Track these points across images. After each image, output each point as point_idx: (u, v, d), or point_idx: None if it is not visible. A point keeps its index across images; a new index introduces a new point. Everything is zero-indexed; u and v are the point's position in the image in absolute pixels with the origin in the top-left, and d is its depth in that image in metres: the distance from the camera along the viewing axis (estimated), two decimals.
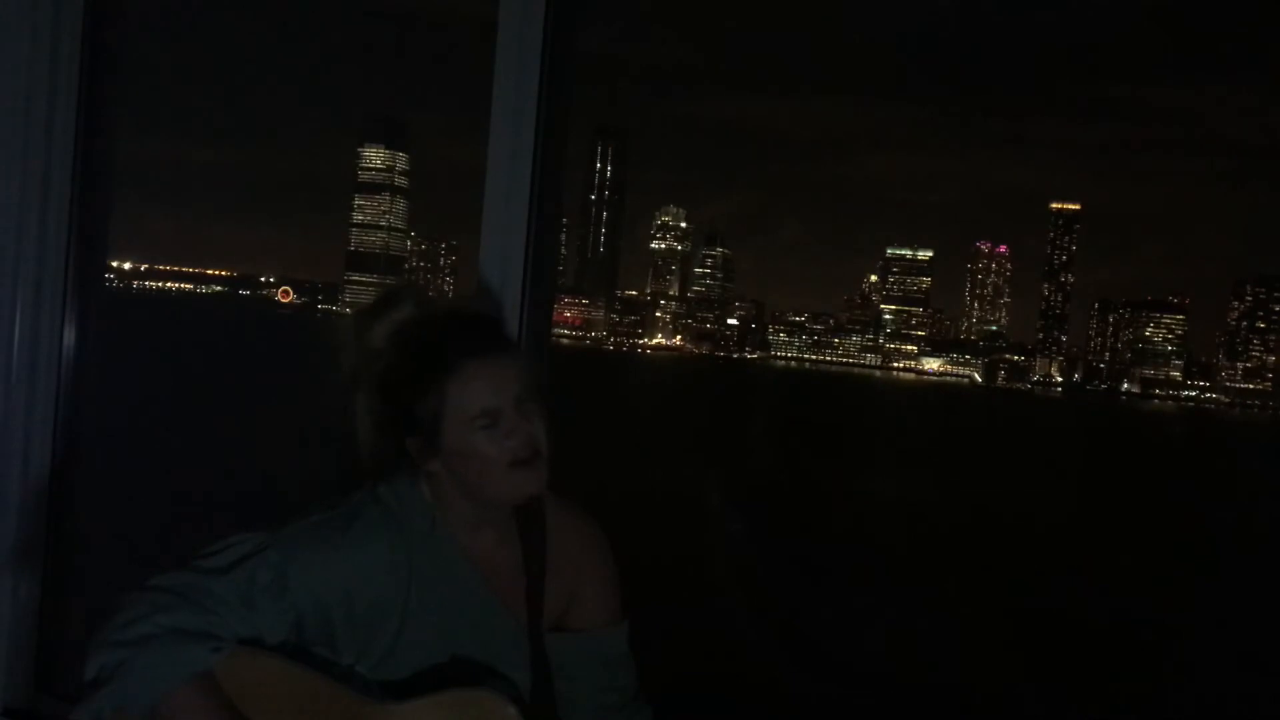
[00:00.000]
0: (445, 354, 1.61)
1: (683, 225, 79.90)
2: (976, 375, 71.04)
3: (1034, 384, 69.46)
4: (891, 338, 72.91)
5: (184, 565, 1.59)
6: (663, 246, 79.26)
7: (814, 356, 72.46)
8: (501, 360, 1.63)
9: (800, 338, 73.14)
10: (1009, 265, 75.63)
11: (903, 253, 74.81)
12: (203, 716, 1.52)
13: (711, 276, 77.52)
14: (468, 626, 1.66)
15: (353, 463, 1.70)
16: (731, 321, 75.93)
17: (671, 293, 78.23)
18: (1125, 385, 66.13)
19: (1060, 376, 69.23)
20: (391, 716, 1.56)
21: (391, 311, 1.68)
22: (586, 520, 1.80)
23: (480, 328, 1.67)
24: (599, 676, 1.74)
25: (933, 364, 71.77)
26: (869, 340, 72.85)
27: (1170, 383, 64.80)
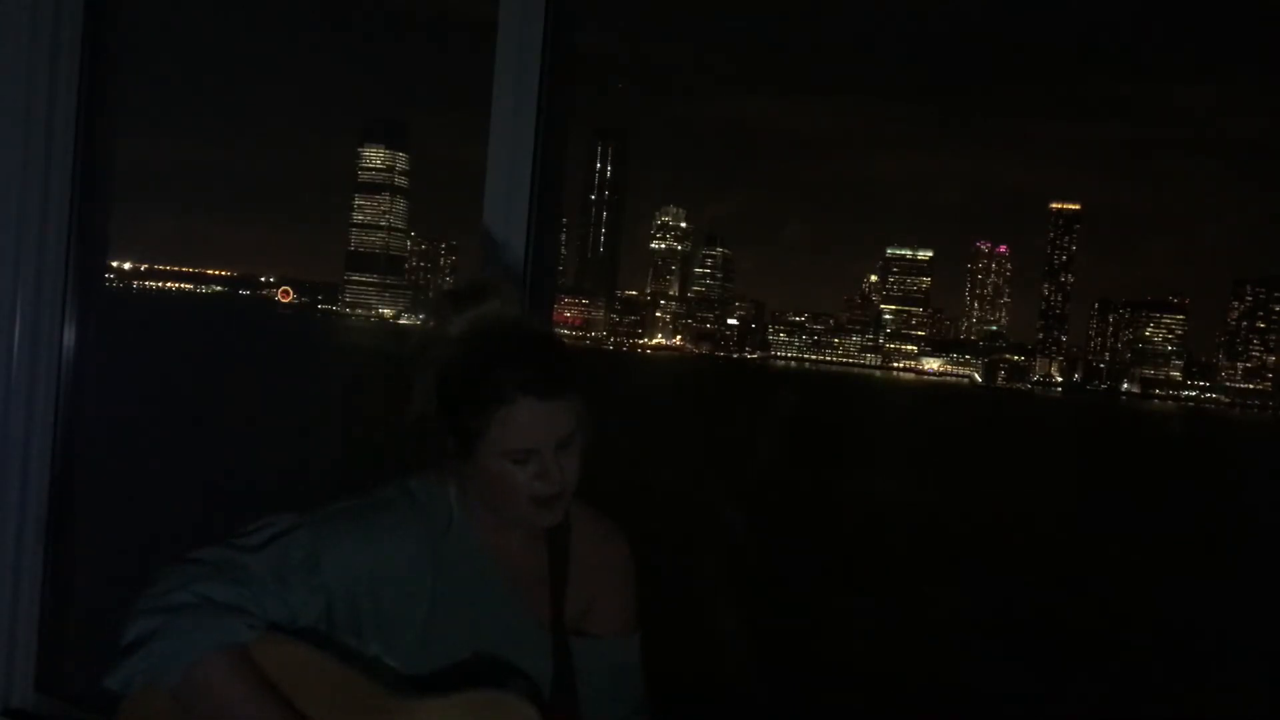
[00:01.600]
0: (505, 381, 1.59)
1: (683, 225, 79.83)
2: (976, 375, 70.99)
3: (1034, 384, 69.39)
4: (891, 338, 72.83)
5: (219, 541, 1.60)
6: (663, 246, 79.17)
7: (814, 356, 72.40)
8: (556, 403, 1.61)
9: (800, 338, 73.06)
10: (1009, 265, 75.57)
11: (903, 253, 74.74)
12: (238, 685, 1.51)
13: (711, 276, 77.43)
14: (490, 625, 1.66)
15: (399, 425, 1.69)
16: (731, 321, 75.85)
17: (671, 293, 78.14)
18: (1125, 385, 66.06)
19: (1060, 376, 69.16)
20: (414, 712, 1.56)
21: (477, 305, 1.66)
22: (611, 528, 1.81)
23: (549, 364, 1.63)
24: (607, 684, 1.74)
25: (933, 364, 71.70)
26: (869, 340, 72.77)
27: (1170, 383, 64.73)
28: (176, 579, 1.54)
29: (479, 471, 1.63)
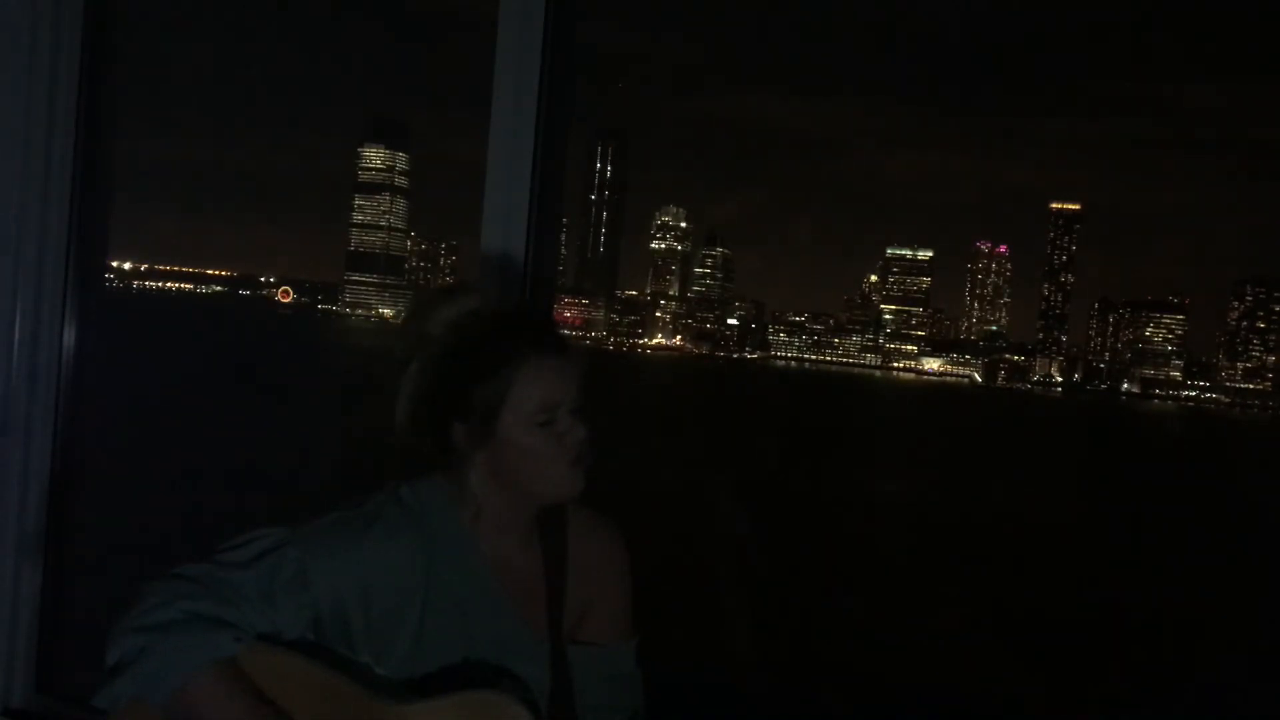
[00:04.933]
0: (516, 344, 1.60)
1: (683, 225, 79.82)
2: (976, 375, 70.97)
3: (1034, 384, 69.37)
4: (891, 338, 72.83)
5: (205, 556, 1.58)
6: (663, 246, 79.16)
7: (814, 356, 72.39)
8: (566, 363, 1.62)
9: (800, 338, 73.06)
10: (1009, 265, 75.58)
11: (903, 253, 74.74)
12: (227, 702, 1.50)
13: (711, 276, 77.43)
14: (485, 632, 1.64)
15: (388, 438, 1.67)
16: (731, 321, 75.84)
17: (671, 293, 78.12)
18: (1125, 385, 66.06)
19: (1060, 376, 69.16)
20: (405, 717, 1.55)
21: (460, 300, 1.66)
22: (608, 530, 1.78)
23: (550, 329, 1.65)
24: (604, 692, 1.71)
25: (933, 364, 71.69)
26: (869, 340, 72.77)
27: (1170, 383, 64.73)
28: (162, 596, 1.52)
29: (500, 449, 1.61)
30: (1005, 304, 74.52)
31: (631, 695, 1.75)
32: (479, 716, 1.55)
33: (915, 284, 73.93)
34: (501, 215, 2.39)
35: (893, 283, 73.96)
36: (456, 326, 1.63)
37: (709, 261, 77.66)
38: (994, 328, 73.85)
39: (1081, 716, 11.82)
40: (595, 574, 1.73)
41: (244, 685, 1.52)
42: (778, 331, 74.04)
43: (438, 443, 1.65)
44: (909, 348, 72.37)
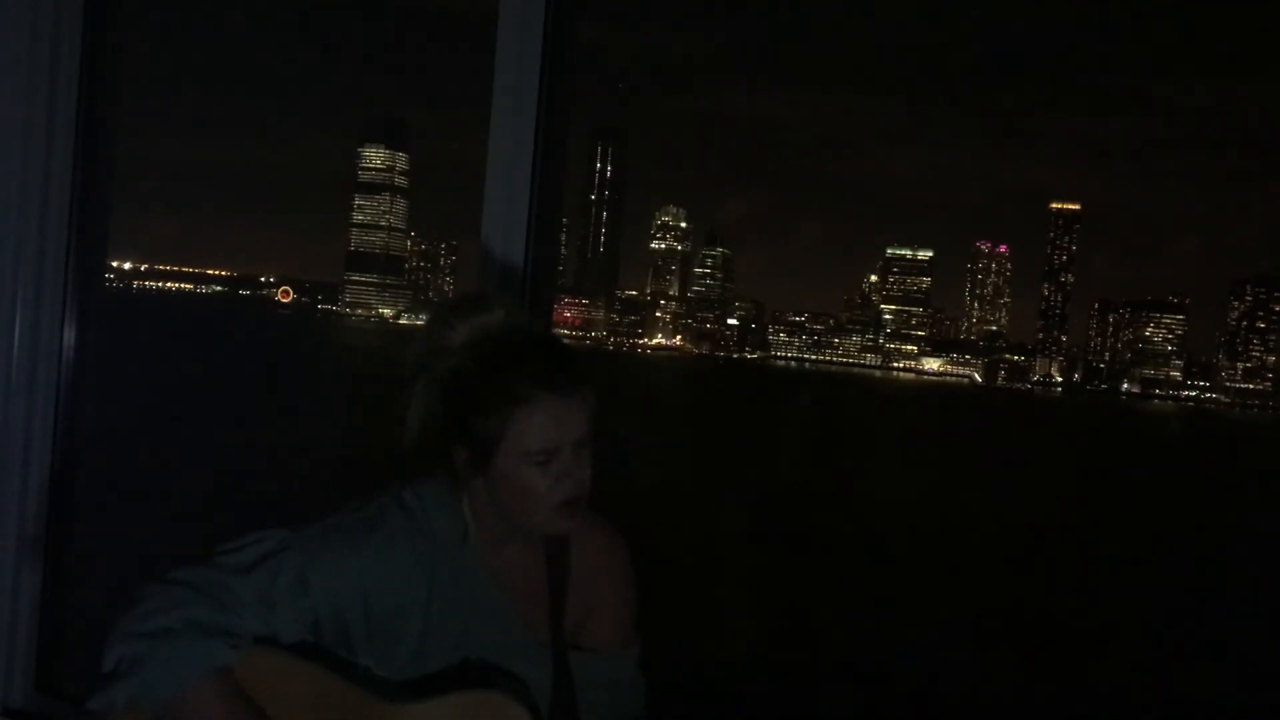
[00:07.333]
0: (521, 379, 1.56)
1: (683, 225, 79.73)
2: (976, 375, 70.91)
3: (1034, 384, 69.30)
4: (891, 338, 72.76)
5: (204, 559, 1.58)
6: (663, 246, 79.07)
7: (814, 356, 72.33)
8: (572, 401, 1.58)
9: (800, 338, 72.99)
10: (1009, 265, 75.51)
11: (903, 253, 74.65)
12: (221, 711, 1.50)
13: (711, 276, 77.34)
14: (486, 638, 1.64)
15: (395, 448, 1.64)
16: (731, 321, 75.76)
17: (671, 293, 78.04)
18: (1125, 385, 65.98)
19: (1060, 376, 69.08)
20: (404, 717, 1.55)
21: (478, 314, 1.61)
22: (611, 535, 1.76)
23: (562, 362, 1.60)
24: (604, 699, 1.70)
25: (933, 364, 71.62)
26: (869, 340, 72.70)
27: (1170, 383, 64.65)
28: (159, 602, 1.52)
29: (496, 480, 1.58)
30: (1005, 304, 74.45)
31: (633, 702, 1.74)
32: (479, 716, 1.55)
33: (915, 284, 73.84)
34: (501, 215, 2.39)
35: (893, 283, 73.87)
36: (473, 343, 1.59)
37: (709, 261, 77.58)
38: (994, 328, 73.78)
39: (1081, 717, 11.82)
40: (597, 580, 1.72)
41: (236, 694, 1.52)
42: (778, 331, 73.98)
43: (441, 460, 1.64)
44: (909, 348, 72.30)
